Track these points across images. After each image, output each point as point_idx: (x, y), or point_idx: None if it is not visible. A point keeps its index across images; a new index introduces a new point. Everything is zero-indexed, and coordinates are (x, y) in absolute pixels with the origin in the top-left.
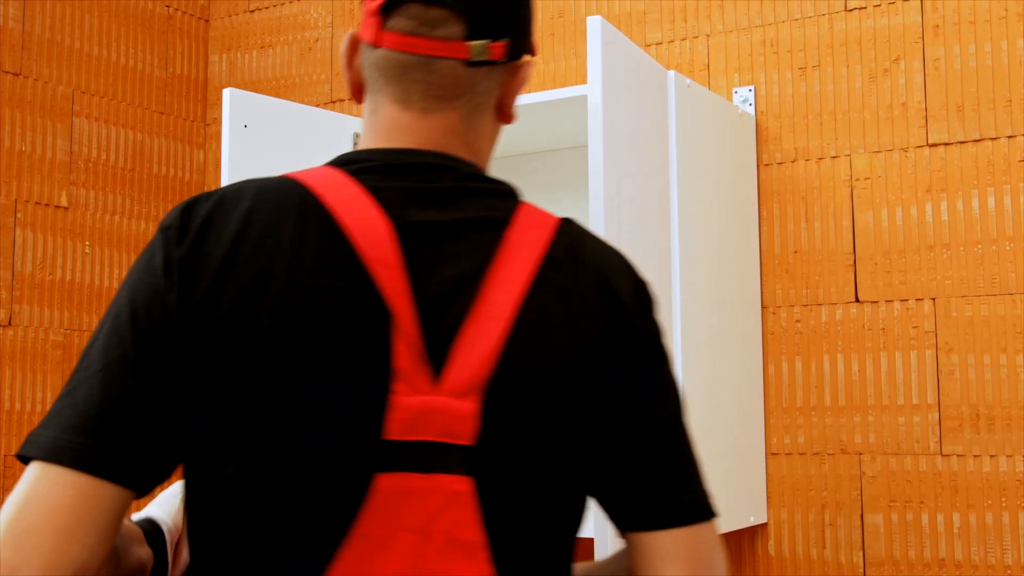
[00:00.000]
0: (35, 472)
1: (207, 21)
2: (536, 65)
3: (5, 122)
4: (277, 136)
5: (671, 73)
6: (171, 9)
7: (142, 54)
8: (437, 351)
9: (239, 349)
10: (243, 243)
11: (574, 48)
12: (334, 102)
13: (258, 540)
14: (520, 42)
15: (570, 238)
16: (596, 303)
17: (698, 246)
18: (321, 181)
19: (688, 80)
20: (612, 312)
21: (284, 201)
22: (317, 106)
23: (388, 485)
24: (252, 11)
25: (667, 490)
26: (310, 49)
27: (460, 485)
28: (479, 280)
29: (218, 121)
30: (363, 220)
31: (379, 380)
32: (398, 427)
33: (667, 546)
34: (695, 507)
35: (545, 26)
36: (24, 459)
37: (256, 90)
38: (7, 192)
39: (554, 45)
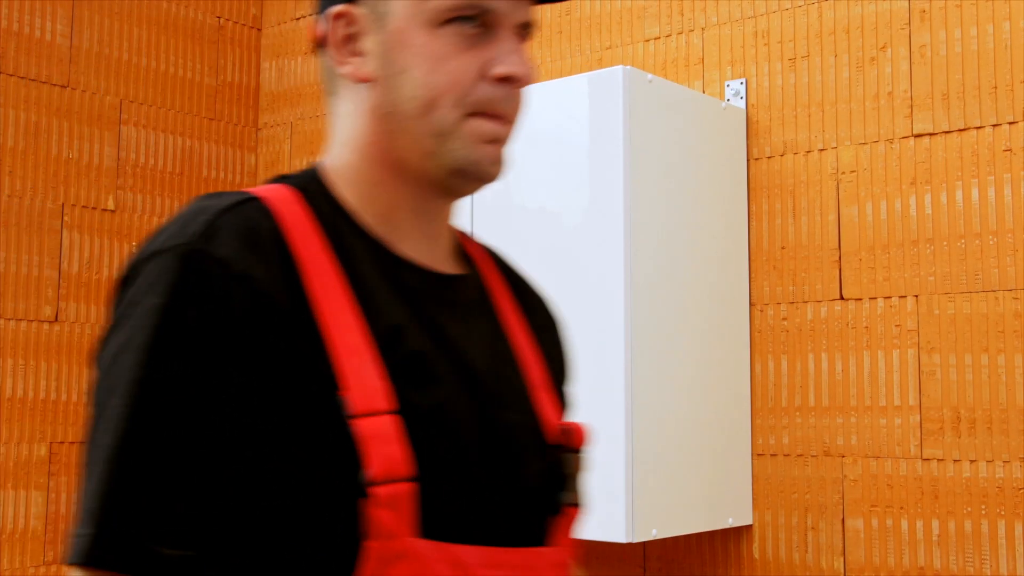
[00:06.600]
0: None
1: (259, 30)
2: (545, 63)
3: (53, 131)
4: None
5: (647, 74)
6: (222, 20)
7: (192, 63)
8: None
9: None
10: None
11: (579, 45)
12: None
13: None
14: (320, 14)
15: None
16: None
17: (688, 243)
18: None
19: (649, 76)
20: None
21: None
22: None
23: None
24: (298, 19)
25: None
26: None
27: None
28: None
29: (269, 125)
30: None
31: None
32: None
33: None
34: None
35: (553, 23)
36: None
37: (300, 95)
38: (54, 196)
39: (561, 43)
